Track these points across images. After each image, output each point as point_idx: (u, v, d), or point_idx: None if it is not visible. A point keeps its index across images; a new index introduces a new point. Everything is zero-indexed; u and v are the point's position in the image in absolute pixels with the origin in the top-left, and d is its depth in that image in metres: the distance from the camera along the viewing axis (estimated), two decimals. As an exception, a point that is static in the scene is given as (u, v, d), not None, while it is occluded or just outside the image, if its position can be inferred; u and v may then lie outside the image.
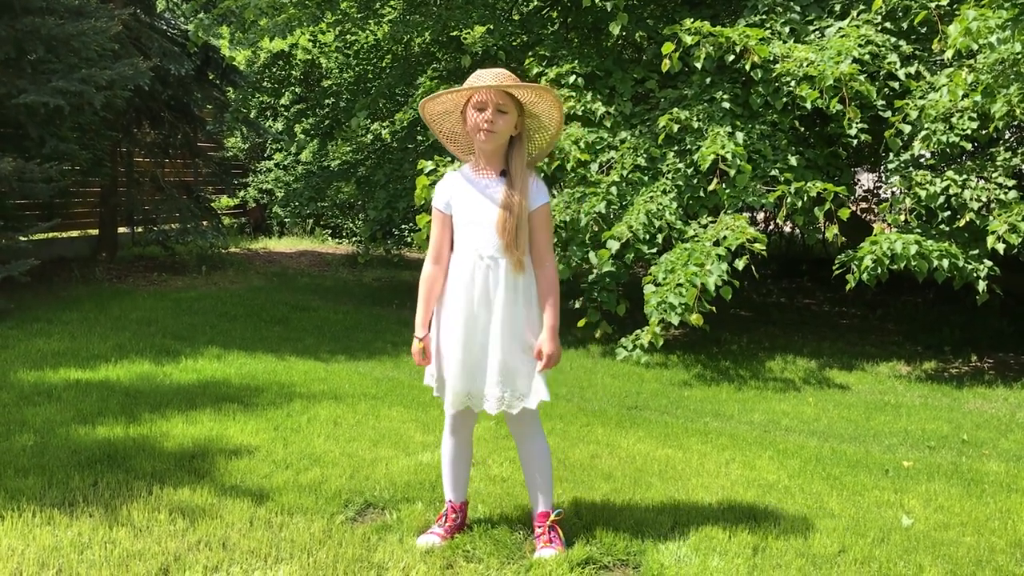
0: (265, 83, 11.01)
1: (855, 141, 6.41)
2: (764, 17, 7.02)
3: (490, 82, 2.88)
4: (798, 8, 7.07)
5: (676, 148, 6.73)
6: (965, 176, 6.06)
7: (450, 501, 3.18)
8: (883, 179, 11.19)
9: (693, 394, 5.86)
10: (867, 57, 6.39)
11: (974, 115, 5.94)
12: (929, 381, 6.31)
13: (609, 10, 6.78)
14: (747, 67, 6.48)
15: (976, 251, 5.93)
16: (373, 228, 9.81)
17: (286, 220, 14.40)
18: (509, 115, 2.91)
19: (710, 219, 6.49)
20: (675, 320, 5.82)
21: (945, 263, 5.74)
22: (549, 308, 2.98)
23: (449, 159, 6.76)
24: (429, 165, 6.60)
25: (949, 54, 5.79)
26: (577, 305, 6.73)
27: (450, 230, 3.04)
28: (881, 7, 6.57)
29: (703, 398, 5.75)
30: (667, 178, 6.61)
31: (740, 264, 5.99)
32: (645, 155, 6.72)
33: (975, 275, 5.84)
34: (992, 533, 3.43)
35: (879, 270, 5.79)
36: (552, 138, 3.11)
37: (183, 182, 11.64)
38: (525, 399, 2.97)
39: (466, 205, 2.99)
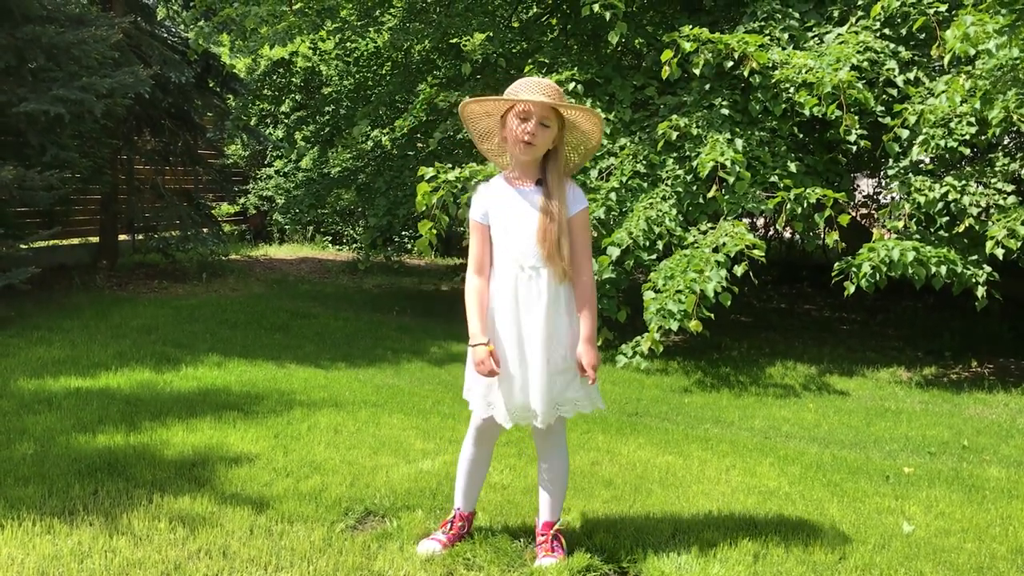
0: (265, 91, 11.02)
1: (854, 147, 6.42)
2: (763, 24, 7.03)
3: (540, 96, 2.85)
4: (797, 15, 7.08)
5: (675, 155, 6.74)
6: (964, 181, 6.07)
7: (458, 509, 3.17)
8: (882, 185, 11.20)
9: (693, 400, 5.86)
10: (866, 64, 6.41)
11: (972, 120, 5.95)
12: (929, 387, 6.31)
13: (608, 18, 6.79)
14: (746, 74, 6.49)
15: (975, 256, 5.94)
16: (373, 235, 9.82)
17: (286, 227, 14.42)
18: (551, 129, 2.90)
19: (709, 225, 6.50)
20: (674, 327, 5.82)
21: (943, 269, 5.75)
22: (586, 317, 2.95)
23: (449, 165, 6.77)
24: (430, 172, 6.61)
25: (947, 60, 5.80)
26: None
27: (490, 241, 3.00)
28: (880, 13, 6.59)
29: (703, 404, 5.75)
30: (666, 185, 6.62)
31: (739, 271, 5.99)
32: (644, 162, 6.74)
33: (974, 281, 5.84)
34: (993, 540, 3.43)
35: (877, 277, 5.80)
36: (588, 152, 3.09)
37: (184, 189, 11.66)
38: (580, 404, 2.97)
39: (504, 215, 2.96)
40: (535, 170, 2.98)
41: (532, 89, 2.88)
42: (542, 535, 3.06)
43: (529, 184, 2.98)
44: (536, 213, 2.92)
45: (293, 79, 11.20)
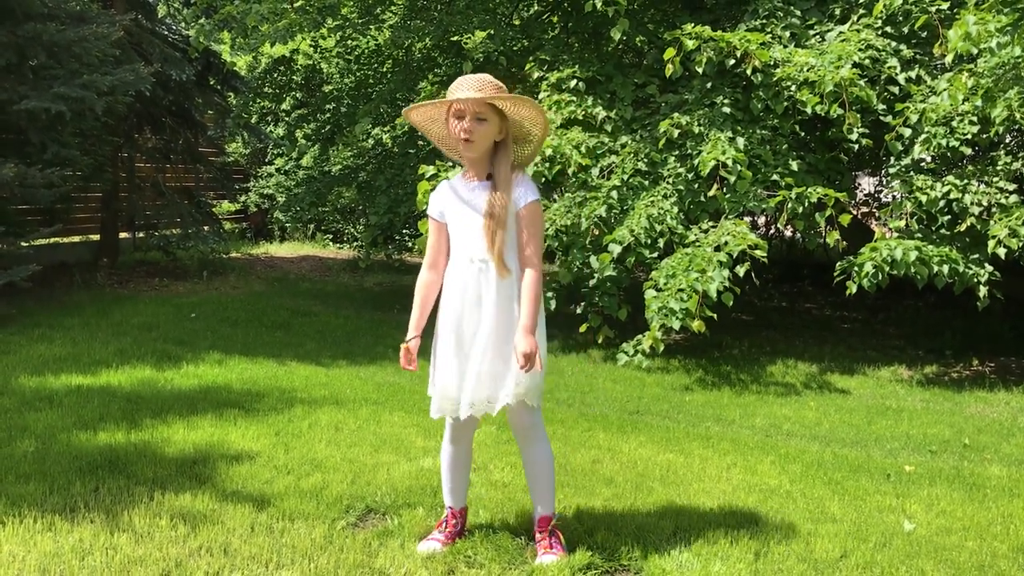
0: (266, 88, 11.02)
1: (856, 146, 6.42)
2: (765, 22, 7.02)
3: (466, 92, 2.88)
4: (799, 12, 7.07)
5: (677, 153, 6.73)
6: (966, 180, 6.07)
7: (450, 507, 3.18)
8: (884, 183, 11.19)
9: (694, 399, 5.86)
10: (867, 62, 6.40)
11: (975, 119, 5.94)
12: (930, 385, 6.31)
13: (610, 15, 6.78)
14: (748, 72, 6.48)
15: (977, 255, 5.93)
16: (374, 233, 9.81)
17: (287, 225, 14.41)
18: (488, 122, 2.91)
19: (711, 224, 6.50)
20: (676, 325, 5.82)
21: (945, 269, 5.75)
22: (525, 306, 2.90)
23: (451, 163, 6.76)
24: (431, 170, 6.61)
25: (949, 58, 5.79)
26: (579, 310, 6.73)
27: (446, 237, 3.07)
28: (882, 11, 6.58)
29: (704, 403, 5.74)
30: (668, 183, 6.61)
31: (741, 271, 5.99)
32: (646, 160, 6.73)
33: (976, 280, 5.83)
34: (994, 538, 3.42)
35: (879, 276, 5.80)
36: (539, 141, 3.10)
37: (184, 187, 11.66)
38: (511, 397, 2.92)
39: (456, 211, 3.02)
40: (485, 165, 3.01)
41: (463, 86, 2.91)
42: (540, 531, 3.06)
43: (479, 179, 3.01)
44: (483, 207, 2.95)
45: (294, 77, 11.20)
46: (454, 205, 3.03)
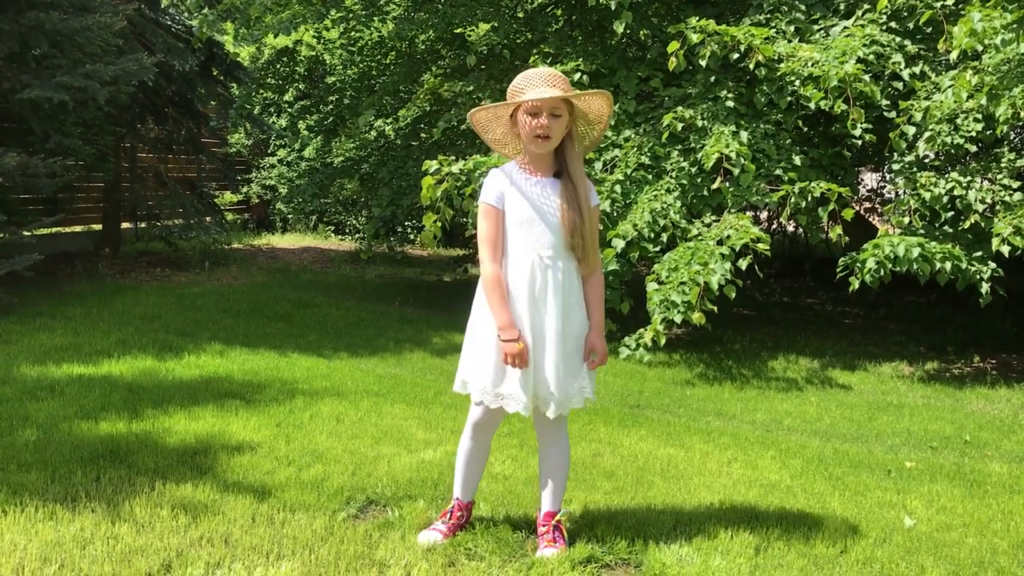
0: (269, 79, 10.99)
1: (859, 141, 6.40)
2: (769, 16, 7.01)
3: (546, 90, 2.84)
4: (803, 7, 7.06)
5: (680, 147, 6.72)
6: (970, 177, 6.05)
7: (458, 499, 3.17)
8: (887, 179, 11.18)
9: (695, 393, 5.86)
10: (872, 57, 6.38)
11: (979, 116, 5.93)
12: (932, 381, 6.30)
13: (613, 8, 6.76)
14: (751, 66, 6.47)
15: (980, 252, 5.92)
16: (377, 225, 9.80)
17: (289, 216, 14.41)
18: (563, 118, 2.90)
19: (713, 218, 6.49)
20: (677, 318, 5.82)
21: (948, 265, 5.74)
22: (599, 307, 3.02)
23: (453, 157, 6.76)
24: (434, 165, 6.60)
25: (955, 55, 5.77)
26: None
27: (504, 228, 2.96)
28: (886, 7, 6.56)
29: (705, 397, 5.75)
30: (671, 177, 6.60)
31: (744, 264, 5.98)
32: (649, 154, 6.72)
33: (978, 277, 5.82)
34: (995, 534, 3.43)
35: (882, 272, 5.79)
36: (599, 134, 3.10)
37: (187, 178, 11.65)
38: (585, 390, 2.98)
39: (521, 205, 2.93)
40: (550, 162, 2.98)
41: (536, 82, 2.88)
42: (543, 525, 3.07)
43: (545, 175, 2.98)
44: (557, 205, 2.92)
45: (297, 68, 11.16)
46: (517, 198, 2.94)
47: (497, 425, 3.11)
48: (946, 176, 6.14)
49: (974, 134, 5.96)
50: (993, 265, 5.85)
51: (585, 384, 2.99)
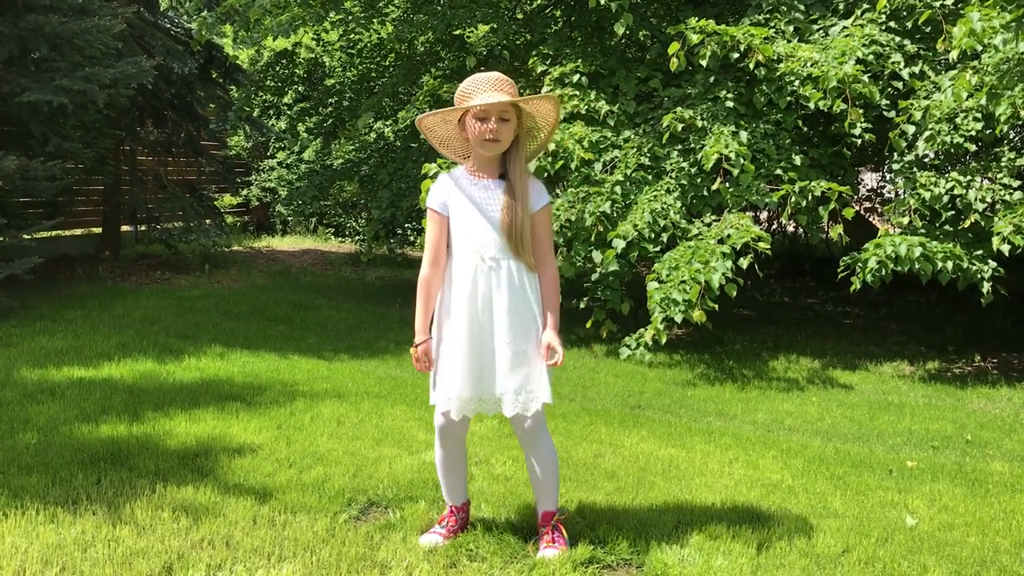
0: (268, 82, 11.00)
1: (859, 141, 6.40)
2: (768, 16, 7.01)
3: (492, 94, 2.86)
4: (802, 7, 7.06)
5: (680, 147, 6.72)
6: (970, 177, 6.05)
7: (450, 505, 3.17)
8: (887, 179, 11.17)
9: (696, 393, 5.86)
10: (871, 57, 6.38)
11: (979, 115, 5.92)
12: (933, 381, 6.30)
13: (614, 10, 6.76)
14: (751, 66, 6.47)
15: (980, 251, 5.92)
16: (376, 227, 9.80)
17: (289, 219, 14.41)
18: (511, 122, 2.92)
19: (714, 218, 6.49)
20: (678, 317, 5.81)
21: (949, 265, 5.74)
22: (553, 307, 3.01)
23: (453, 161, 6.74)
24: (434, 168, 6.59)
25: (954, 55, 5.77)
26: (582, 305, 6.73)
27: (447, 232, 3.01)
28: (885, 6, 6.56)
29: (706, 397, 5.74)
30: (671, 177, 6.60)
31: (744, 263, 5.98)
32: (649, 154, 6.71)
33: (979, 276, 5.82)
34: (996, 533, 3.42)
35: (883, 272, 5.79)
36: (546, 138, 3.11)
37: (186, 180, 11.66)
38: (543, 399, 2.96)
39: (465, 208, 2.97)
40: (496, 164, 3.00)
41: (484, 86, 2.89)
42: (543, 526, 3.06)
43: (490, 178, 3.00)
44: (499, 207, 2.93)
45: (296, 70, 11.18)
46: (461, 201, 2.98)
47: (464, 429, 3.08)
48: (946, 175, 6.14)
49: (974, 133, 5.96)
50: (994, 264, 5.85)
51: (536, 387, 2.94)
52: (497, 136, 2.89)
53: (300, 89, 11.56)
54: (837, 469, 4.19)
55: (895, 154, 6.48)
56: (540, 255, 3.00)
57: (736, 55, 6.51)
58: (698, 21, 6.46)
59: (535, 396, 2.94)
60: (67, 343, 6.10)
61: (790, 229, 11.93)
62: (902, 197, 6.39)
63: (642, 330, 6.06)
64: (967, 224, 5.99)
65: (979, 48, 5.52)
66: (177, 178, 11.42)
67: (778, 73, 6.47)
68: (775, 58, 6.48)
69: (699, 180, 6.54)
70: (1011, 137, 6.82)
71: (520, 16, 9.23)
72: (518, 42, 8.52)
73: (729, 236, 6.02)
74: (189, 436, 4.13)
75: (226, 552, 2.91)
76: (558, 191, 7.41)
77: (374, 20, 9.40)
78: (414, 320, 3.08)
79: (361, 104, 9.42)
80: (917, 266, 5.73)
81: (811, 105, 6.30)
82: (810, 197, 6.22)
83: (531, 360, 2.94)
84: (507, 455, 4.07)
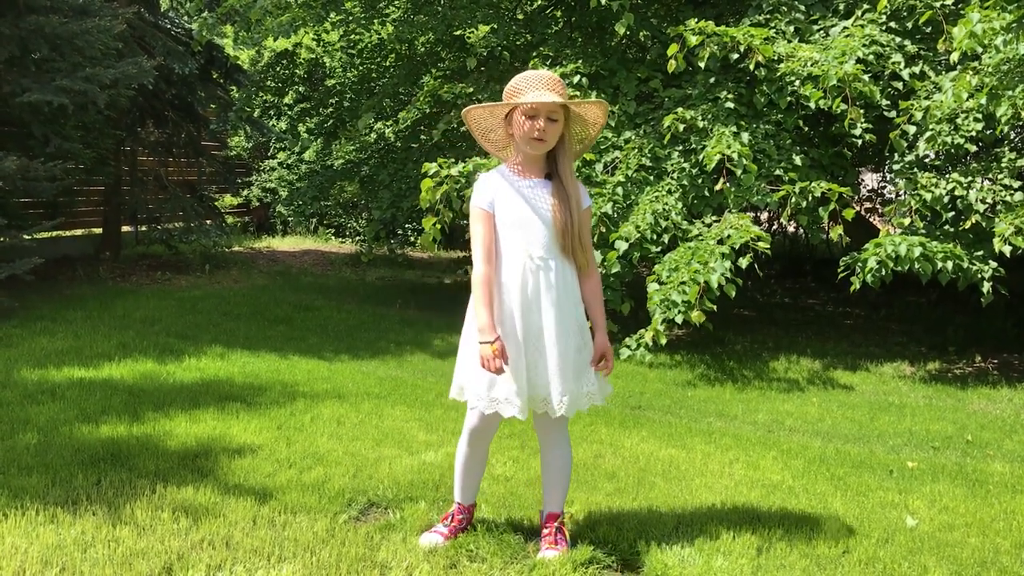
0: (269, 82, 11.01)
1: (859, 141, 6.40)
2: (768, 16, 7.01)
3: (548, 94, 2.85)
4: (802, 7, 7.06)
5: (681, 148, 6.72)
6: (970, 178, 6.05)
7: (459, 503, 3.16)
8: (887, 179, 11.17)
9: (697, 394, 5.85)
10: (871, 57, 6.38)
11: (979, 116, 5.92)
12: (933, 382, 6.30)
13: (615, 10, 6.76)
14: (751, 67, 6.46)
15: (981, 252, 5.92)
16: (377, 228, 9.80)
17: (289, 219, 14.41)
18: (559, 123, 2.91)
19: (714, 218, 6.49)
20: (678, 318, 5.81)
21: (949, 265, 5.73)
22: (600, 308, 3.04)
23: (452, 160, 6.75)
24: (433, 168, 6.60)
25: (955, 56, 5.77)
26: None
27: (495, 230, 2.97)
28: (886, 7, 6.56)
29: (707, 398, 5.74)
30: (672, 178, 6.60)
31: (744, 263, 5.98)
32: (650, 155, 6.71)
33: (979, 276, 5.82)
34: (997, 534, 3.42)
35: (883, 272, 5.79)
36: (591, 139, 3.12)
37: (187, 181, 11.65)
38: (594, 397, 2.99)
39: (513, 207, 2.94)
40: (542, 164, 2.99)
41: (536, 84, 2.88)
42: (546, 527, 3.06)
43: (537, 177, 2.98)
44: (549, 206, 2.92)
45: (297, 71, 11.18)
46: (509, 200, 2.94)
47: (495, 430, 3.09)
48: (947, 176, 6.13)
49: (974, 134, 5.96)
50: (994, 264, 5.84)
51: (593, 389, 2.99)
52: (544, 136, 2.88)
53: (300, 90, 11.57)
54: (837, 470, 4.19)
55: (895, 155, 6.48)
56: (588, 255, 3.02)
57: (736, 56, 6.51)
58: (697, 22, 6.46)
59: (589, 394, 2.98)
60: (67, 343, 6.10)
61: (790, 229, 11.93)
62: (903, 198, 6.39)
63: (642, 331, 6.06)
64: (968, 225, 5.99)
65: (980, 49, 5.51)
66: (178, 178, 11.42)
67: (778, 73, 6.47)
68: (775, 58, 6.48)
69: (700, 181, 6.54)
70: (1012, 138, 6.81)
71: (520, 17, 9.24)
72: (518, 43, 8.52)
73: (729, 236, 6.02)
74: (189, 436, 4.13)
75: (226, 552, 2.91)
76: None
77: (375, 21, 9.41)
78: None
79: (361, 105, 9.42)
80: (917, 266, 5.73)
81: (811, 105, 6.29)
82: (810, 197, 6.22)
83: (576, 360, 2.94)
84: (507, 456, 4.07)
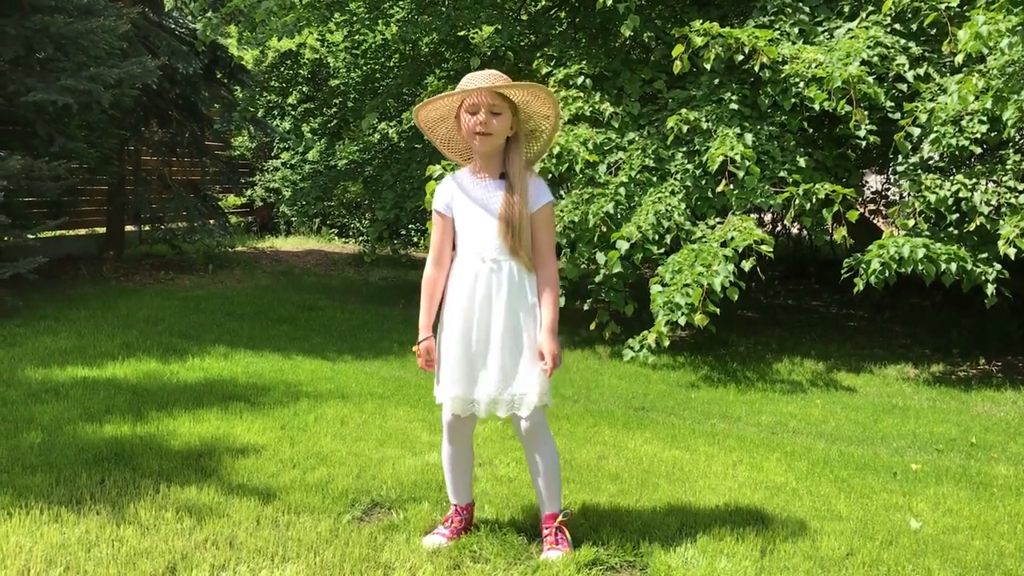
0: (273, 82, 11.01)
1: (863, 143, 6.39)
2: (773, 18, 7.00)
3: (480, 84, 2.87)
4: (807, 9, 7.05)
5: (684, 149, 6.72)
6: (975, 180, 6.04)
7: (454, 505, 3.17)
8: (891, 181, 11.15)
9: (700, 395, 5.85)
10: (876, 59, 6.37)
11: (984, 118, 5.91)
12: (937, 384, 6.29)
13: (621, 11, 6.76)
14: (756, 68, 6.46)
15: (985, 254, 5.90)
16: (380, 228, 9.80)
17: (293, 219, 14.42)
18: (503, 116, 2.91)
19: (718, 220, 6.48)
20: (681, 320, 5.81)
21: (953, 266, 5.72)
22: (548, 307, 2.97)
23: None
24: (438, 170, 6.59)
25: (960, 58, 5.76)
26: (586, 307, 6.73)
27: (451, 233, 3.03)
28: (891, 8, 6.55)
29: (710, 400, 5.73)
30: (675, 179, 6.60)
31: (747, 265, 5.97)
32: (653, 156, 6.71)
33: (983, 278, 5.81)
34: (1001, 537, 3.41)
35: (887, 273, 5.78)
36: (549, 136, 3.10)
37: (190, 181, 11.66)
38: (533, 400, 2.95)
39: (466, 209, 2.98)
40: (498, 163, 2.99)
41: (477, 81, 2.91)
42: (546, 528, 3.06)
43: (491, 177, 2.99)
44: (498, 207, 2.93)
45: (300, 71, 11.18)
46: (463, 202, 3.00)
47: (471, 427, 3.11)
48: (951, 178, 6.12)
49: (979, 136, 5.94)
50: (998, 266, 5.83)
51: (528, 391, 2.93)
52: (487, 129, 2.88)
53: (304, 90, 11.57)
54: (841, 472, 4.18)
55: (900, 156, 6.47)
56: (540, 255, 2.99)
57: (740, 57, 6.50)
58: (702, 24, 6.46)
59: (528, 398, 2.93)
60: (71, 343, 6.10)
61: (794, 231, 11.91)
62: (907, 199, 6.37)
63: (645, 332, 6.05)
64: (972, 227, 5.97)
65: (985, 51, 5.50)
66: (181, 178, 11.43)
67: (783, 75, 6.46)
68: (780, 60, 6.47)
69: (704, 182, 6.54)
70: (1017, 140, 6.79)
71: (525, 17, 9.24)
72: (522, 43, 8.51)
73: (732, 239, 6.01)
74: (193, 436, 4.13)
75: (230, 552, 2.91)
76: (562, 192, 7.41)
77: (379, 21, 9.41)
78: (418, 319, 3.09)
79: (365, 105, 9.43)
80: (921, 268, 5.72)
81: (816, 106, 6.29)
82: (814, 199, 6.21)
83: (527, 362, 2.94)
84: (511, 456, 4.06)
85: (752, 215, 6.80)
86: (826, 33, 6.94)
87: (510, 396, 2.93)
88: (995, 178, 6.11)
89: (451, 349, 2.97)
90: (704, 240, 6.22)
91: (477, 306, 2.94)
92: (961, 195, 5.98)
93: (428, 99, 3.02)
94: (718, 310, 5.83)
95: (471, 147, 3.01)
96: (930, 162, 6.49)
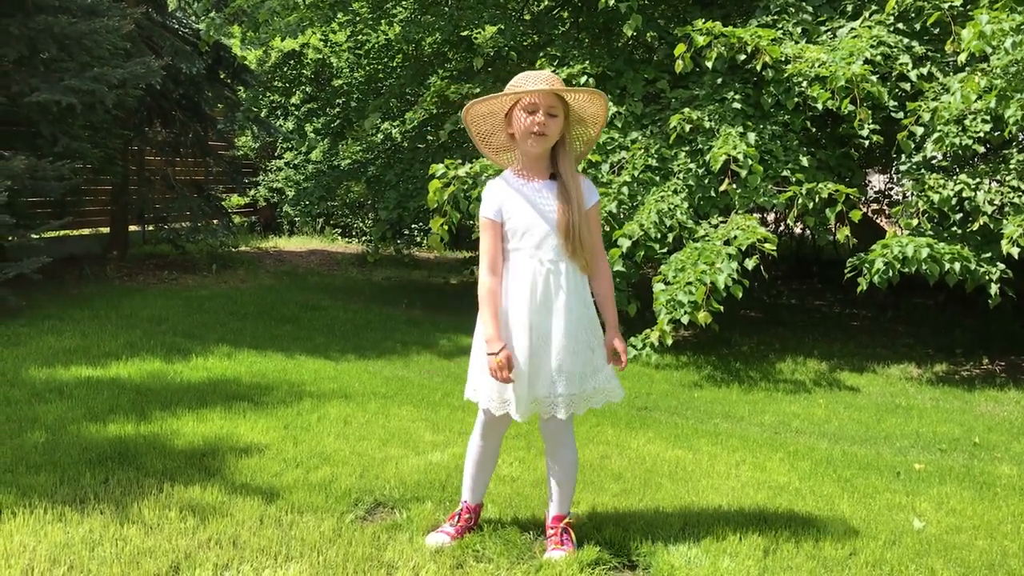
0: (276, 82, 11.02)
1: (867, 142, 6.39)
2: (776, 17, 7.00)
3: (543, 86, 2.85)
4: (810, 8, 7.04)
5: (687, 148, 6.72)
6: (978, 179, 6.03)
7: (466, 502, 3.17)
8: (894, 180, 11.15)
9: (703, 395, 5.85)
10: (879, 58, 6.37)
11: (987, 117, 5.90)
12: (940, 383, 6.28)
13: (623, 11, 6.76)
14: (759, 67, 6.46)
15: (989, 253, 5.90)
16: (383, 228, 9.81)
17: (296, 219, 14.44)
18: (559, 118, 2.89)
19: (720, 219, 6.48)
20: (684, 318, 5.80)
21: (957, 266, 5.72)
22: (611, 306, 3.03)
23: (459, 161, 6.76)
24: (440, 169, 6.60)
25: (963, 58, 5.76)
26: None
27: (501, 239, 2.97)
28: (894, 8, 6.54)
29: (713, 399, 5.73)
30: (678, 178, 6.60)
31: (751, 264, 5.97)
32: (656, 155, 6.71)
33: (987, 278, 5.80)
34: (1005, 537, 3.41)
35: (890, 273, 5.77)
36: (594, 138, 3.10)
37: (194, 181, 11.68)
38: (610, 394, 3.00)
39: (521, 211, 2.93)
40: (545, 165, 2.98)
41: (535, 81, 2.88)
42: (552, 528, 3.06)
43: (541, 179, 2.97)
44: (554, 208, 2.91)
45: (304, 71, 11.19)
46: (516, 205, 2.94)
47: (505, 429, 3.11)
48: (954, 177, 6.12)
49: (982, 135, 5.94)
50: (1002, 266, 5.82)
51: (603, 385, 2.99)
52: (544, 130, 2.86)
53: (308, 90, 11.58)
54: (844, 471, 4.18)
55: (903, 156, 6.47)
56: (596, 253, 3.00)
57: (743, 56, 6.50)
58: (705, 23, 6.45)
59: (600, 398, 2.98)
60: (75, 342, 6.12)
61: (797, 231, 11.91)
62: (910, 199, 6.37)
63: (648, 331, 6.05)
64: (975, 227, 5.97)
65: (988, 50, 5.50)
66: (185, 178, 11.44)
67: (786, 74, 6.46)
68: (783, 59, 6.47)
69: (706, 181, 6.54)
70: (1020, 139, 6.78)
71: (528, 17, 9.24)
72: (525, 43, 8.52)
73: (735, 237, 6.01)
74: (196, 436, 4.14)
75: (233, 552, 2.92)
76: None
77: (382, 21, 9.42)
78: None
79: (368, 105, 9.44)
80: (924, 267, 5.71)
81: (819, 106, 6.28)
82: (817, 199, 6.21)
83: (584, 362, 2.94)
84: (513, 456, 4.07)
85: (755, 214, 6.79)
86: (829, 32, 6.94)
87: (574, 396, 2.92)
88: (998, 177, 6.10)
89: (517, 355, 2.88)
90: (707, 238, 6.22)
91: (537, 309, 2.89)
92: (964, 194, 5.97)
93: (486, 96, 2.98)
94: (722, 308, 5.83)
95: (522, 147, 2.95)
96: (933, 161, 6.48)
